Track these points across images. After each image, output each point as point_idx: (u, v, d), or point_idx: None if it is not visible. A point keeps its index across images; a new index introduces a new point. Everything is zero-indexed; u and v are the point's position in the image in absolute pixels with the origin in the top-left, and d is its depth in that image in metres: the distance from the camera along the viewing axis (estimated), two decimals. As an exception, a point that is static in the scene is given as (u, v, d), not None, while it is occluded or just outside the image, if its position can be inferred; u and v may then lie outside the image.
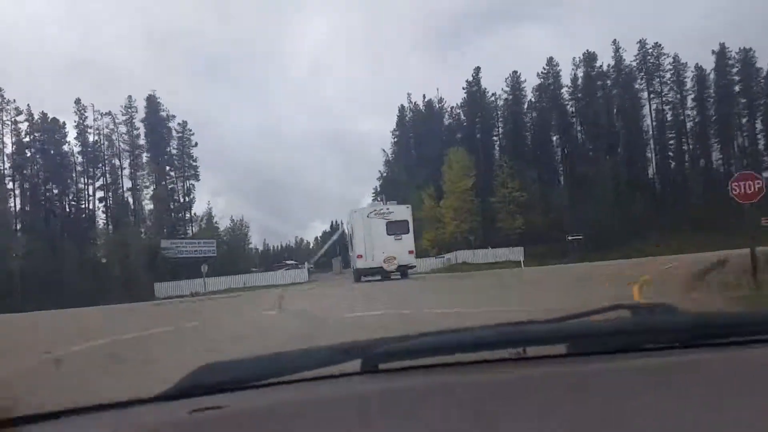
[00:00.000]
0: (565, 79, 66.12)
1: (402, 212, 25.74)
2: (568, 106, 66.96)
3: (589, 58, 63.68)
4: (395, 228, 24.66)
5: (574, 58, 64.99)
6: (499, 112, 69.78)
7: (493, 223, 52.49)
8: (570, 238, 42.55)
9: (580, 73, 65.04)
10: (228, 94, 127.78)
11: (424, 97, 71.34)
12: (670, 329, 1.46)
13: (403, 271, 24.55)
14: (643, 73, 62.81)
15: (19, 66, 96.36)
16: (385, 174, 75.33)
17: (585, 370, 1.28)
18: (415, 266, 26.75)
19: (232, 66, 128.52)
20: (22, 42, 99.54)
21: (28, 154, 58.57)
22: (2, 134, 57.60)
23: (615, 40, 62.84)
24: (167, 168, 63.69)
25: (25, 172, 58.06)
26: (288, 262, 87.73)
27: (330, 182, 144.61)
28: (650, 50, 62.45)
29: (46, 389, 3.79)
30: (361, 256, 24.71)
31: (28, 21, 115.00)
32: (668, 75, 64.10)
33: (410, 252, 24.94)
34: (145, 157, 61.88)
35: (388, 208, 25.78)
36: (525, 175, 52.85)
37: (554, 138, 66.99)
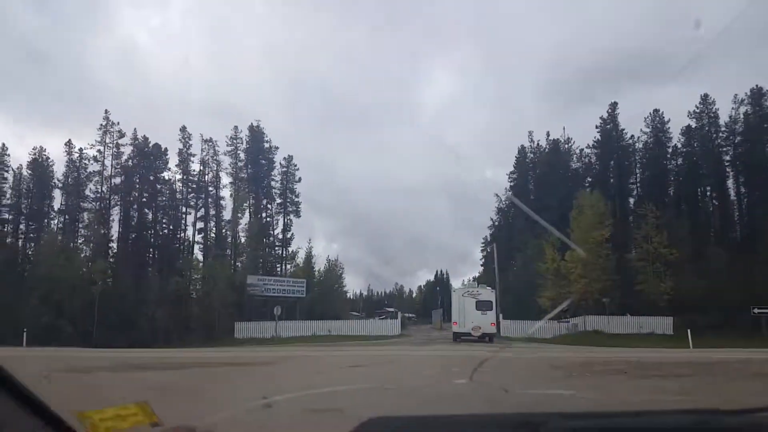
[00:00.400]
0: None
1: (488, 294, 33.34)
2: (725, 153, 56.61)
3: (757, 94, 53.41)
4: (482, 306, 32.03)
5: (735, 96, 55.04)
6: (637, 157, 60.76)
7: (630, 285, 43.38)
8: (757, 311, 32.93)
9: (741, 113, 54.85)
10: (349, 139, 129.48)
11: (548, 135, 64.20)
12: None
13: (490, 337, 31.43)
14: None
15: (131, 91, 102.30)
16: (497, 222, 68.44)
17: None
18: (495, 334, 33.09)
19: (357, 112, 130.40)
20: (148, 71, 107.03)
21: (128, 179, 58.27)
22: (104, 156, 58.13)
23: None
24: (264, 201, 61.42)
25: (127, 197, 57.97)
26: (389, 309, 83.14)
27: (441, 231, 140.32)
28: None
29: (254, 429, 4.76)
30: (456, 323, 32.55)
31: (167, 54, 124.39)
32: None
33: (492, 324, 32.05)
34: (245, 188, 59.72)
35: (477, 291, 33.68)
36: (674, 228, 43.35)
37: (707, 188, 56.63)
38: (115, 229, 57.49)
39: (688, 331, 28.49)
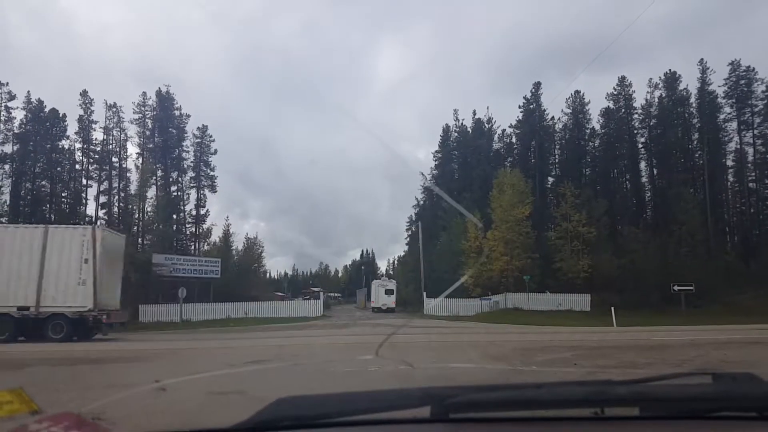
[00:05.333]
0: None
1: (392, 285, 54.15)
2: (640, 136, 59.71)
3: (671, 79, 56.42)
4: (388, 292, 52.21)
5: (650, 80, 57.99)
6: (556, 137, 62.93)
7: (550, 262, 44.95)
8: (677, 288, 34.84)
9: (656, 97, 57.88)
10: (293, 116, 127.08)
11: (474, 113, 64.93)
12: (748, 398, 1.56)
13: (391, 309, 50.11)
14: (733, 101, 54.74)
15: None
16: (422, 201, 68.90)
17: None
18: (394, 307, 50.86)
19: (304, 88, 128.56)
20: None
21: (20, 147, 53.44)
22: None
23: (702, 59, 55.39)
24: (175, 173, 58.39)
25: (19, 168, 53.11)
26: (314, 289, 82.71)
27: (375, 210, 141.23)
28: (743, 74, 54.49)
29: (148, 414, 4.37)
30: (373, 302, 53.06)
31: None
32: (760, 105, 55.70)
33: (393, 302, 51.33)
34: (152, 160, 56.34)
35: (386, 283, 55.37)
36: (591, 207, 45.20)
37: (622, 170, 59.67)
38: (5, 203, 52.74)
39: (612, 309, 29.26)
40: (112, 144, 58.37)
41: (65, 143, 56.77)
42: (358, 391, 1.71)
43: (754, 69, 54.57)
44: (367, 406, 1.60)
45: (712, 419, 1.57)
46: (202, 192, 60.28)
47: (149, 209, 52.11)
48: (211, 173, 60.89)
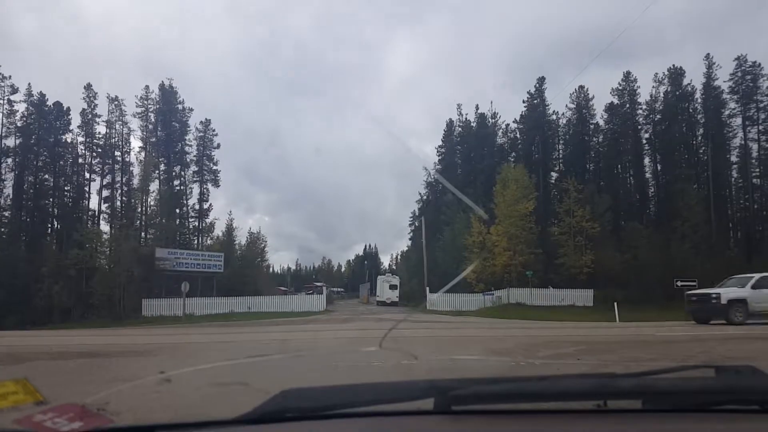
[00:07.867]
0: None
1: (396, 280, 57.02)
2: (644, 131, 59.50)
3: (675, 74, 56.10)
4: (392, 287, 54.69)
5: (656, 74, 57.69)
6: (560, 132, 62.73)
7: (553, 257, 44.91)
8: (680, 283, 34.65)
9: (660, 92, 57.59)
10: (302, 109, 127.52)
11: (477, 108, 64.69)
12: (751, 391, 1.58)
13: (394, 303, 52.15)
14: (739, 96, 54.43)
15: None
16: (425, 196, 68.80)
17: (663, 428, 1.50)
18: (397, 301, 53.06)
19: (314, 80, 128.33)
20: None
21: (23, 140, 53.47)
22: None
23: (708, 54, 55.13)
24: (178, 168, 58.39)
25: (22, 161, 53.17)
26: (317, 284, 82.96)
27: (381, 205, 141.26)
28: (749, 69, 54.14)
29: (153, 405, 4.39)
30: (378, 296, 55.62)
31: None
32: (766, 101, 55.35)
33: (396, 297, 53.55)
34: (155, 153, 56.35)
35: (390, 278, 57.82)
36: (594, 203, 45.12)
37: (626, 165, 59.46)
38: (8, 196, 52.81)
39: (615, 304, 28.95)
40: (114, 138, 58.50)
41: (68, 137, 56.93)
42: (362, 383, 1.72)
43: (759, 64, 54.30)
44: (371, 398, 1.62)
45: (715, 412, 1.58)
46: (205, 186, 60.48)
47: (152, 203, 52.26)
48: (214, 167, 61.13)
